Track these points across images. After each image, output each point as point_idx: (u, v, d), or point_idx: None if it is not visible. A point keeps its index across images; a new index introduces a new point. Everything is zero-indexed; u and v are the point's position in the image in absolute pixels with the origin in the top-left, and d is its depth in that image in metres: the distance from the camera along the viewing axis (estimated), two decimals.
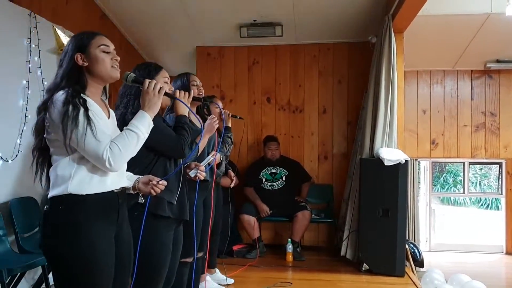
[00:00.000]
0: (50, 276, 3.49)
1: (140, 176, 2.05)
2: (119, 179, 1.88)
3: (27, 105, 3.79)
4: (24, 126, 3.73)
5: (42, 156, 1.82)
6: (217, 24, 5.49)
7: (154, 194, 2.03)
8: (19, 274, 3.35)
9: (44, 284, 3.52)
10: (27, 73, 3.82)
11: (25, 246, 3.49)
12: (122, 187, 1.91)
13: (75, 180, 1.73)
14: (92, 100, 1.81)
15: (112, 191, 1.83)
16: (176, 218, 2.40)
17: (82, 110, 1.70)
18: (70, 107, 1.68)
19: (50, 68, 4.11)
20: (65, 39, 4.22)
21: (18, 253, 3.46)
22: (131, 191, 2.02)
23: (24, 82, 3.80)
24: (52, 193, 1.75)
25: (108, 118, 1.91)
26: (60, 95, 1.72)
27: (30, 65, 3.84)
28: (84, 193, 1.74)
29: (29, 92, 3.81)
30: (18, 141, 3.69)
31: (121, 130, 1.86)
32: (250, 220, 5.14)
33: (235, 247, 5.18)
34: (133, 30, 5.67)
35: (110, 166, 1.72)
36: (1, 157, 3.51)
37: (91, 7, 4.97)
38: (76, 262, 1.71)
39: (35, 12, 3.92)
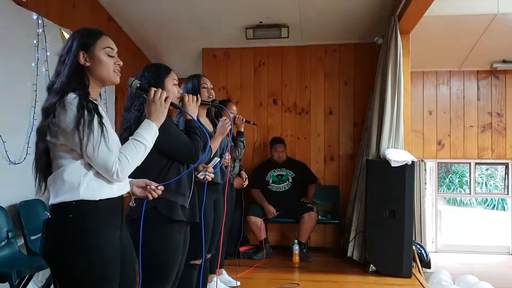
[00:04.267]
0: None
1: (133, 180, 1.98)
2: (124, 184, 1.86)
3: (34, 107, 3.80)
4: (32, 128, 3.75)
5: (44, 160, 1.76)
6: (223, 26, 5.50)
7: (151, 198, 1.98)
8: (27, 276, 3.36)
9: (52, 286, 3.53)
10: (35, 76, 3.84)
11: (33, 248, 3.51)
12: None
13: (86, 185, 1.68)
14: (98, 105, 1.78)
15: (118, 196, 1.80)
16: (188, 221, 2.43)
17: (96, 116, 1.67)
18: (86, 113, 1.64)
19: None
20: None
21: (27, 255, 3.48)
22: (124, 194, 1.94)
23: (32, 84, 3.82)
24: (57, 199, 1.68)
25: None
26: (73, 99, 1.66)
27: (37, 68, 3.86)
28: (97, 199, 1.69)
29: (36, 95, 3.83)
30: (26, 144, 3.70)
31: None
32: (257, 221, 5.14)
33: (241, 248, 5.19)
34: (139, 33, 5.69)
35: (117, 177, 1.70)
36: (10, 160, 3.53)
37: (97, 10, 4.98)
38: (86, 270, 1.68)
39: (43, 15, 3.94)
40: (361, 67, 5.72)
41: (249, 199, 5.31)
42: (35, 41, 3.86)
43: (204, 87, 3.19)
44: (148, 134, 1.80)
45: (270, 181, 5.42)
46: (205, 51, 6.05)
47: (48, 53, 3.95)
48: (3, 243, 3.31)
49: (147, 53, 6.21)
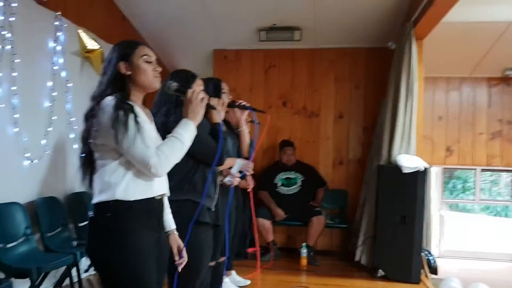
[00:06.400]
0: (75, 273, 3.56)
1: (175, 232, 2.04)
2: (162, 184, 1.91)
3: (53, 106, 3.84)
4: (49, 127, 3.79)
5: (88, 161, 1.86)
6: (236, 27, 5.51)
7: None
8: (43, 273, 3.37)
9: (68, 280, 3.56)
10: (52, 75, 3.87)
11: (49, 245, 3.55)
12: (162, 194, 1.93)
13: (123, 185, 1.76)
14: (137, 106, 1.85)
15: (154, 198, 1.86)
16: (212, 223, 2.46)
17: (132, 115, 1.74)
18: (121, 112, 1.72)
19: (75, 70, 4.17)
20: (88, 41, 4.26)
21: (44, 252, 3.51)
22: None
23: (50, 83, 3.85)
24: (98, 198, 1.78)
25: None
26: (110, 100, 1.75)
27: (55, 67, 3.89)
28: (132, 199, 1.77)
29: (54, 93, 3.86)
30: (44, 141, 3.74)
31: (163, 138, 1.89)
32: (265, 223, 5.17)
33: (249, 250, 5.20)
34: (152, 32, 5.70)
35: (156, 172, 1.76)
36: (28, 158, 3.55)
37: (112, 10, 5.02)
38: (122, 267, 1.76)
39: (60, 13, 3.95)
40: (372, 71, 5.73)
41: (257, 201, 5.32)
42: (53, 40, 3.88)
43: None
44: (184, 131, 1.86)
45: (279, 184, 5.44)
46: (216, 52, 6.07)
47: (65, 52, 3.98)
48: (20, 240, 3.33)
49: (159, 52, 6.20)
